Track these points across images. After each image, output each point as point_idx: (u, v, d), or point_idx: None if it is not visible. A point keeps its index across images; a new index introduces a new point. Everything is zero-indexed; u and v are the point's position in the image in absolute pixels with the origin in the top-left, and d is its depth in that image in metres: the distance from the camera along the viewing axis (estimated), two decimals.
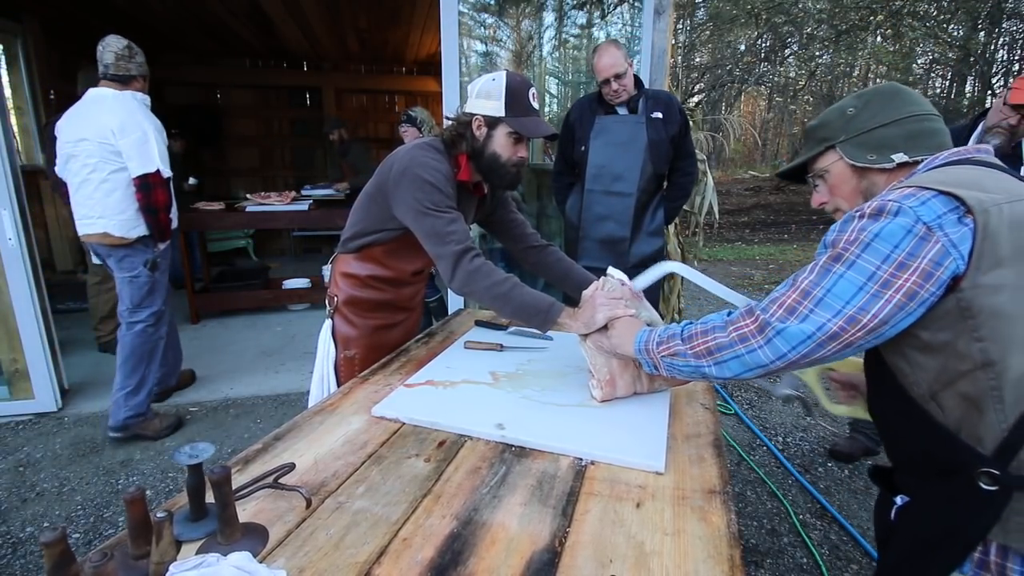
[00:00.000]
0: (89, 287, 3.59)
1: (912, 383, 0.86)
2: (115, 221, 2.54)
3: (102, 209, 2.53)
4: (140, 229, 2.60)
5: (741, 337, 0.90)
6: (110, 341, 3.55)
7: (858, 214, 0.86)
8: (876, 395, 0.99)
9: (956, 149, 0.92)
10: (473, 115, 1.45)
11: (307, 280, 4.85)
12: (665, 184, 2.73)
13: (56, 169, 2.64)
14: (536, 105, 1.44)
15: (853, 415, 1.16)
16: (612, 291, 1.28)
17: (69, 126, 2.53)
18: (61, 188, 2.72)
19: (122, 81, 2.52)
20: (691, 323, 1.01)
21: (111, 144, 2.46)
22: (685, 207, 3.89)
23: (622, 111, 2.60)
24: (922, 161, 0.93)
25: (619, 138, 2.58)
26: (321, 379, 1.65)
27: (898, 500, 0.96)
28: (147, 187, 2.51)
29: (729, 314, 0.96)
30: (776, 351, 0.86)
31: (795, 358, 0.86)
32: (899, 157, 0.93)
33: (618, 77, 2.46)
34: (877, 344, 0.86)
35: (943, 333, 0.81)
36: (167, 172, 2.57)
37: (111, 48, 2.48)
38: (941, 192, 0.80)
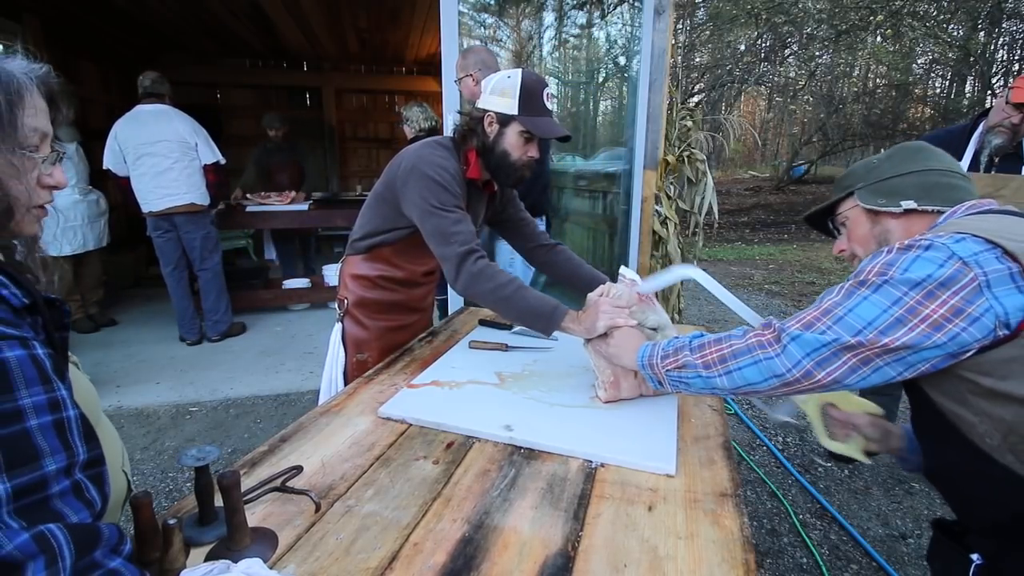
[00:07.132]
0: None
1: (983, 434, 0.81)
2: (196, 194, 3.61)
3: (187, 187, 3.55)
4: (207, 199, 3.69)
5: (759, 344, 0.89)
6: (93, 313, 4.11)
7: (887, 249, 0.86)
8: (936, 453, 0.93)
9: (975, 202, 0.92)
10: (485, 111, 1.42)
11: (307, 280, 4.83)
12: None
13: (110, 164, 3.48)
14: (551, 106, 1.41)
15: (846, 452, 1.17)
16: (617, 298, 1.27)
17: (135, 132, 3.42)
18: (118, 179, 3.55)
19: (159, 96, 3.50)
20: (701, 335, 1.00)
21: (187, 142, 3.50)
22: (685, 207, 3.88)
23: None
24: (936, 212, 0.94)
25: None
26: (330, 384, 1.62)
27: (975, 558, 0.89)
28: (217, 170, 3.68)
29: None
30: (792, 358, 0.85)
31: (810, 366, 0.84)
32: (907, 204, 0.96)
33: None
34: (906, 372, 0.82)
35: (1013, 381, 0.76)
36: (223, 160, 3.73)
37: (149, 76, 3.50)
38: (976, 236, 0.79)
